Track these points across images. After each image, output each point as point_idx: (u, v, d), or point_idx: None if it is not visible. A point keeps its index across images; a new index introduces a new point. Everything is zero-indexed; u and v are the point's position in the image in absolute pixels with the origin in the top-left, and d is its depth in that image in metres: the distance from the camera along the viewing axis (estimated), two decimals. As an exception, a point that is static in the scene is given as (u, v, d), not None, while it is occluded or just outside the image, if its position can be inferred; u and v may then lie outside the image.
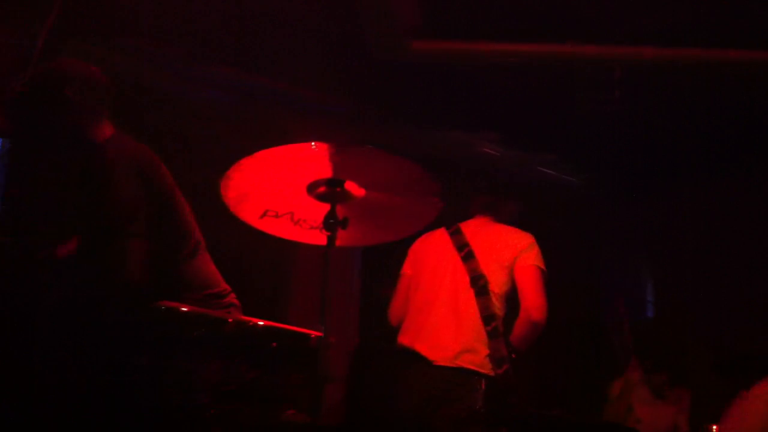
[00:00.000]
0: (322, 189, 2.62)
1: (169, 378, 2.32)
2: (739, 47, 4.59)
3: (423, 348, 3.46)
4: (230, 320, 2.39)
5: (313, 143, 2.53)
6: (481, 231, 3.68)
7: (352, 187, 2.64)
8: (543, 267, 3.52)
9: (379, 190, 2.66)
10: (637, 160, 5.91)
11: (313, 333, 2.45)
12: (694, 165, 5.80)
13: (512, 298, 3.53)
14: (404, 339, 3.54)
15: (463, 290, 3.51)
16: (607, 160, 5.91)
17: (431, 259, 3.68)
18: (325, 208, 2.63)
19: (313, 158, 2.59)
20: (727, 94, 4.97)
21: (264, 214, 2.71)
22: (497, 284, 3.50)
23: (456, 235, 3.63)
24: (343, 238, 2.67)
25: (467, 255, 3.52)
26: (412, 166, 2.60)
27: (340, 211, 2.63)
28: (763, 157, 5.48)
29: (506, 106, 5.31)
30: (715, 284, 5.80)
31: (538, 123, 5.50)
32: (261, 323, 2.40)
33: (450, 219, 3.70)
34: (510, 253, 3.54)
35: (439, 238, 3.70)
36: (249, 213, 2.74)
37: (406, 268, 3.74)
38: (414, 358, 3.44)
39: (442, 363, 3.42)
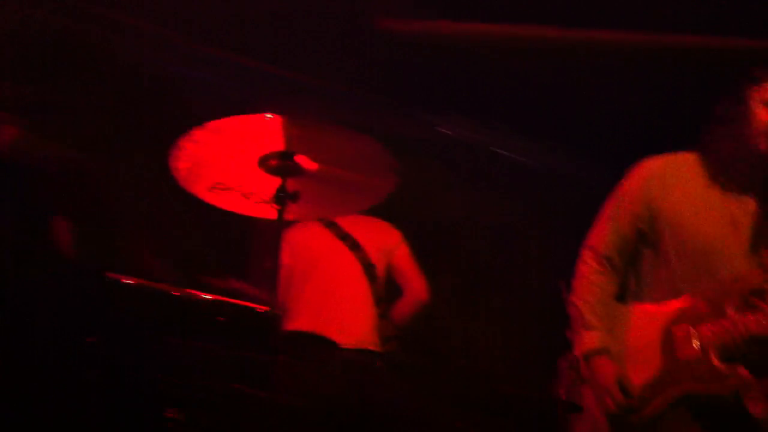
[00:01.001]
0: (273, 162, 2.58)
1: (117, 352, 2.28)
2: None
3: (330, 332, 3.59)
4: (176, 293, 2.35)
5: (268, 114, 2.48)
6: (357, 223, 3.90)
7: (305, 161, 2.59)
8: None
9: (333, 164, 2.62)
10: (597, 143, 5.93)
11: (262, 308, 2.42)
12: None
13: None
14: (301, 324, 3.65)
15: (358, 277, 3.75)
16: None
17: (315, 249, 3.85)
18: (277, 181, 2.59)
19: (265, 131, 2.55)
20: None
21: (213, 187, 2.66)
22: (381, 271, 3.82)
23: (332, 227, 3.85)
24: (295, 212, 2.64)
25: (353, 245, 3.79)
26: (367, 140, 2.57)
27: (292, 185, 2.59)
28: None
29: (472, 87, 5.30)
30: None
31: (499, 104, 5.50)
32: (208, 297, 2.37)
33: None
34: (391, 242, 3.90)
35: (316, 228, 3.88)
36: (198, 185, 2.68)
37: (283, 257, 3.88)
38: (319, 341, 3.55)
39: (350, 346, 3.57)
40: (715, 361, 2.37)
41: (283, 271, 3.80)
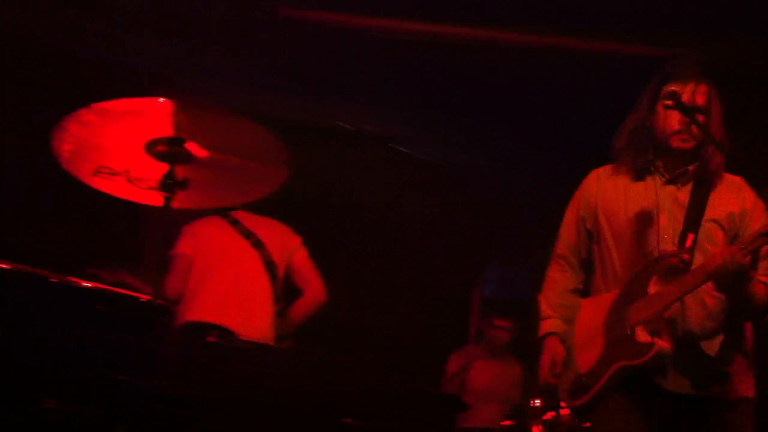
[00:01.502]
0: (161, 148, 2.50)
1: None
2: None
3: (234, 325, 3.61)
4: (53, 279, 2.25)
5: (160, 99, 2.41)
6: (260, 223, 3.98)
7: (195, 148, 2.53)
8: None
9: (224, 152, 2.56)
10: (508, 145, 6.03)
11: (144, 297, 2.36)
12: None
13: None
14: (203, 315, 3.69)
15: (260, 274, 3.83)
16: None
17: (219, 244, 3.89)
18: (165, 168, 2.52)
19: (155, 115, 2.48)
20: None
21: (97, 171, 2.56)
22: (281, 271, 3.91)
23: (236, 224, 3.92)
24: (183, 200, 2.58)
25: (256, 243, 3.87)
26: (260, 129, 2.53)
27: (181, 172, 2.52)
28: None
29: (375, 80, 5.30)
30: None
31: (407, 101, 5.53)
32: (87, 284, 2.28)
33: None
34: (291, 244, 4.00)
35: (219, 224, 3.93)
36: (82, 169, 2.58)
37: (185, 248, 3.88)
38: (221, 332, 3.55)
39: (251, 339, 3.54)
40: (640, 337, 2.60)
41: (182, 261, 3.84)
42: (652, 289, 2.63)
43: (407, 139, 6.18)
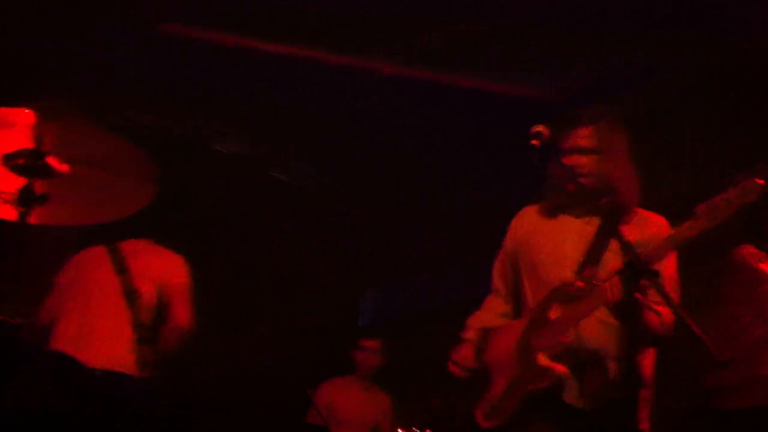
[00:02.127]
0: (20, 161, 2.39)
1: None
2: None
3: (80, 353, 3.53)
4: None
5: (26, 109, 2.32)
6: (143, 251, 3.92)
7: (55, 162, 2.43)
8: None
9: (88, 167, 2.47)
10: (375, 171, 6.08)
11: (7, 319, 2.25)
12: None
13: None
14: (57, 343, 3.63)
15: (116, 301, 3.74)
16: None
17: (84, 271, 3.84)
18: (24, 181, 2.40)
19: (17, 126, 2.36)
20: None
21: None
22: (147, 297, 3.81)
23: (113, 252, 3.87)
24: (42, 216, 2.47)
25: (120, 270, 3.81)
26: (126, 145, 2.46)
27: (41, 187, 2.42)
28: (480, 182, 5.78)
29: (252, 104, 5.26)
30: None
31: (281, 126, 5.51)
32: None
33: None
34: (168, 272, 3.89)
35: (98, 252, 3.89)
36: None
37: (61, 277, 3.87)
38: (67, 361, 3.50)
39: (100, 367, 3.52)
40: (542, 361, 2.71)
41: (56, 289, 3.78)
42: (553, 315, 2.75)
43: (285, 165, 6.15)
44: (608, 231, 2.83)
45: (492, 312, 3.13)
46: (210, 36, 4.69)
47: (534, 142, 2.76)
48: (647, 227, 2.82)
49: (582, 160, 2.87)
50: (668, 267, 2.73)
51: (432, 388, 4.99)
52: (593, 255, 2.81)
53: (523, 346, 2.82)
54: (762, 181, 2.25)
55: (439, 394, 4.70)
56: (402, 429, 4.44)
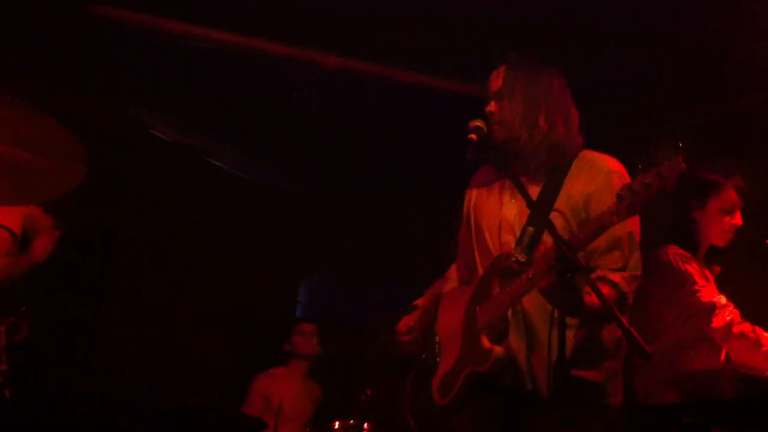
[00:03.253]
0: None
1: None
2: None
3: None
4: None
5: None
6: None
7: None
8: None
9: (12, 146, 2.39)
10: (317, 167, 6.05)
11: None
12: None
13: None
14: None
15: None
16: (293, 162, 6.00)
17: None
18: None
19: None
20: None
21: None
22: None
23: None
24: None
25: None
26: (56, 125, 2.38)
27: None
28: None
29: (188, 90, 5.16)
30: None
31: (223, 115, 5.43)
32: None
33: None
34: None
35: None
36: None
37: None
38: None
39: None
40: (484, 342, 2.56)
41: None
42: (495, 290, 2.58)
43: (224, 154, 6.07)
44: (553, 188, 2.65)
45: (451, 279, 3.00)
46: (148, 21, 4.56)
47: (471, 136, 2.63)
48: (594, 176, 2.61)
49: (492, 106, 2.72)
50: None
51: (366, 380, 5.01)
52: (534, 218, 2.61)
53: (468, 321, 2.67)
54: (684, 164, 2.14)
55: (372, 387, 4.69)
56: (339, 421, 4.40)
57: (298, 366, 5.40)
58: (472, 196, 2.91)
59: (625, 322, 2.15)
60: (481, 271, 2.74)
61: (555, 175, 2.67)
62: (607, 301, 2.24)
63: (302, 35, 4.60)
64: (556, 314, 2.42)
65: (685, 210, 3.73)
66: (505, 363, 2.53)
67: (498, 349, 2.53)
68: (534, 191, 2.66)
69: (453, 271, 3.01)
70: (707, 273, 3.67)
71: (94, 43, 4.59)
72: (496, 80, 2.74)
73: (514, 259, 2.54)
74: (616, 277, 2.53)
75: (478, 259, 2.79)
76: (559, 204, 2.62)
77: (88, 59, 4.75)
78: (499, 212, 2.74)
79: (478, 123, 2.66)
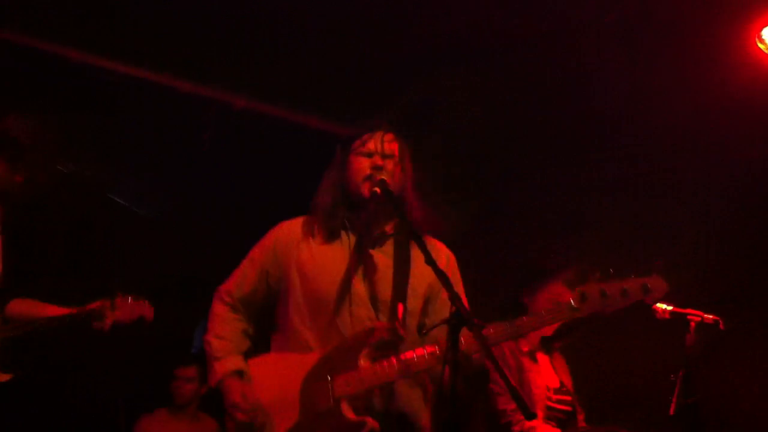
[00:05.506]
0: None
1: None
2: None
3: None
4: None
5: None
6: None
7: None
8: None
9: None
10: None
11: None
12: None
13: None
14: None
15: None
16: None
17: None
18: None
19: None
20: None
21: None
22: None
23: None
24: None
25: None
26: None
27: None
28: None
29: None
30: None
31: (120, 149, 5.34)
32: None
33: None
34: None
35: None
36: None
37: None
38: None
39: None
40: (347, 412, 2.49)
41: None
42: (363, 362, 2.52)
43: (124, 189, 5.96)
44: (404, 262, 2.67)
45: (236, 333, 2.81)
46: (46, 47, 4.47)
47: (376, 189, 2.63)
48: (438, 258, 2.57)
49: (388, 164, 2.72)
50: None
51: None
52: (399, 293, 2.63)
53: (315, 389, 2.56)
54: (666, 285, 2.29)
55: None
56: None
57: (183, 404, 5.26)
58: (288, 248, 2.79)
59: (511, 380, 2.20)
60: (306, 333, 2.67)
61: (402, 246, 2.71)
62: (496, 361, 2.27)
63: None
64: (429, 390, 2.57)
65: (516, 294, 3.80)
66: None
67: (371, 422, 2.49)
68: (372, 255, 2.69)
69: (231, 320, 2.82)
70: (538, 356, 3.71)
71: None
72: (386, 144, 2.76)
73: (393, 333, 2.54)
74: None
75: (295, 318, 2.70)
76: (415, 283, 2.67)
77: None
78: (347, 279, 2.66)
79: (384, 177, 2.68)
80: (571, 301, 2.38)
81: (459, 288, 2.70)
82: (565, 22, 4.15)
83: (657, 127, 4.82)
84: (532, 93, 4.70)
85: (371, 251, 2.71)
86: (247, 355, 2.82)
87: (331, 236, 2.75)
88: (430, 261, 2.40)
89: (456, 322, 2.27)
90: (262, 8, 4.25)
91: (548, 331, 3.69)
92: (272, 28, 4.40)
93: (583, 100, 4.65)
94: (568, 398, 3.69)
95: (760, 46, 3.91)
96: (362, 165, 2.73)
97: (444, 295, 2.57)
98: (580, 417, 3.71)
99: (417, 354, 2.49)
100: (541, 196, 5.28)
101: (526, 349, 3.69)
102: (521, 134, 5.09)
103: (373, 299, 2.65)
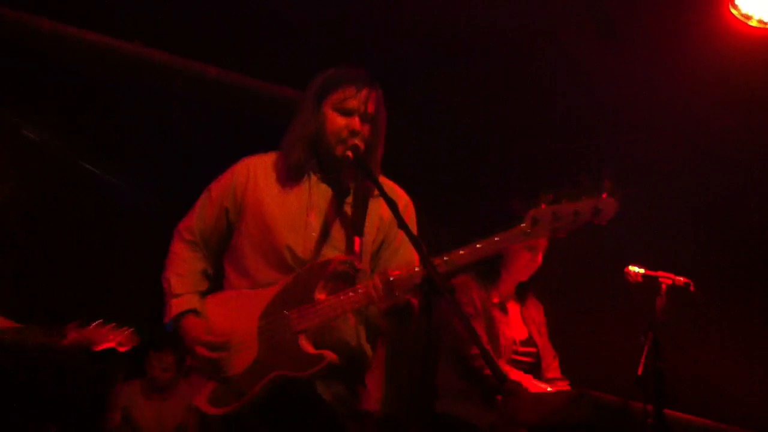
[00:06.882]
0: None
1: None
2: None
3: None
4: None
5: None
6: None
7: None
8: None
9: None
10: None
11: None
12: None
13: None
14: None
15: None
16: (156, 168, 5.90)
17: None
18: None
19: None
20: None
21: None
22: None
23: None
24: None
25: None
26: None
27: None
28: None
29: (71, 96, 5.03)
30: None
31: (90, 119, 5.30)
32: None
33: None
34: None
35: None
36: None
37: None
38: None
39: None
40: (305, 346, 2.48)
41: None
42: (319, 295, 2.51)
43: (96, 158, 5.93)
44: (363, 201, 2.67)
45: (195, 272, 2.78)
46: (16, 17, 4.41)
47: (348, 153, 2.62)
48: (396, 201, 2.55)
49: (366, 128, 2.68)
50: None
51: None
52: (357, 227, 2.62)
53: (272, 323, 2.55)
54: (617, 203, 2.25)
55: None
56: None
57: (158, 384, 5.22)
58: (247, 184, 2.76)
59: (484, 342, 2.20)
60: (254, 268, 2.66)
61: (361, 190, 2.70)
62: (469, 324, 2.31)
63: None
64: (357, 325, 2.60)
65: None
66: (333, 368, 2.48)
67: (330, 355, 2.47)
68: (332, 194, 2.71)
69: (190, 258, 2.78)
70: (509, 306, 3.77)
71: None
72: (369, 103, 2.71)
73: (350, 265, 2.54)
74: None
75: (247, 253, 2.68)
76: (371, 220, 2.69)
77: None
78: (304, 214, 2.67)
79: (358, 142, 2.65)
80: (523, 225, 2.36)
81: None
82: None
83: (629, 98, 4.83)
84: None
85: (329, 189, 2.72)
86: (205, 295, 2.79)
87: (292, 175, 2.74)
88: (389, 202, 2.41)
89: (428, 288, 2.24)
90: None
91: (523, 276, 3.77)
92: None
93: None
94: (533, 349, 3.74)
95: (734, 12, 3.90)
96: (339, 125, 2.68)
97: (396, 243, 2.66)
98: (555, 363, 3.79)
99: (357, 293, 2.48)
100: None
101: (496, 300, 3.75)
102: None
103: (329, 233, 2.64)
